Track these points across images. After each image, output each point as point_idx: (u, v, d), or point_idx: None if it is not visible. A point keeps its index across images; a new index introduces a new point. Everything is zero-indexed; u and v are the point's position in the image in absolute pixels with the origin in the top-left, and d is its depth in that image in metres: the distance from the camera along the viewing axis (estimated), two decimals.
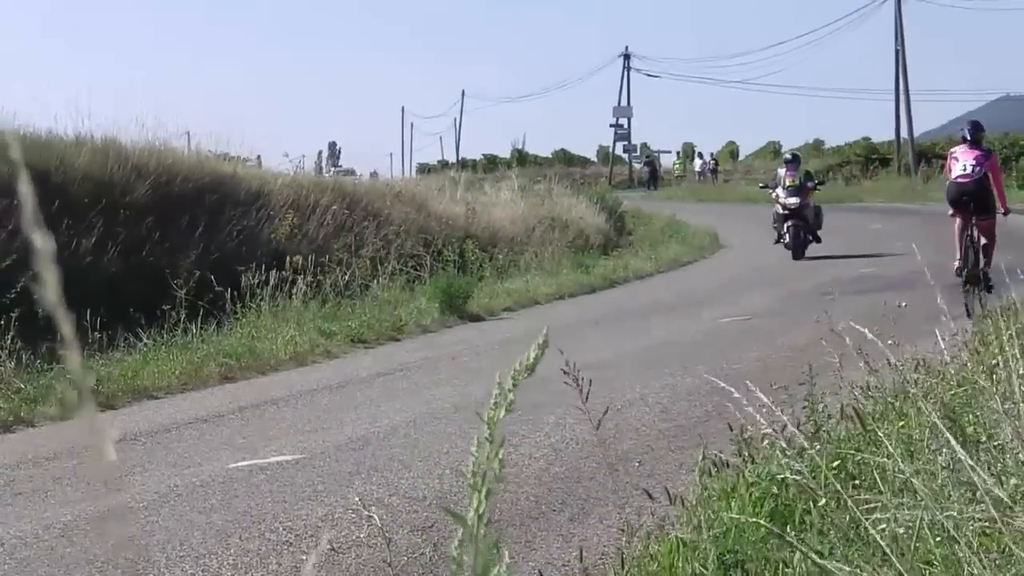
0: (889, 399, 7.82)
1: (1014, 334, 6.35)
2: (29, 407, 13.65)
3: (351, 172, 74.06)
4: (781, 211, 30.21)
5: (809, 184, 30.84)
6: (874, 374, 8.18)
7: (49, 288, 1.22)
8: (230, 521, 8.83)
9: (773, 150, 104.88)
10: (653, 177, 79.77)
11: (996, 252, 17.49)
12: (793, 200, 29.93)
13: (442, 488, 9.40)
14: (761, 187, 34.71)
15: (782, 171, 31.07)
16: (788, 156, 32.85)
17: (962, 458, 4.88)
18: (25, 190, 1.23)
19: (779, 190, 30.45)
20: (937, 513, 4.82)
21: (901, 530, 4.97)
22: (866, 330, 7.22)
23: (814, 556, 4.88)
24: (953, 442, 4.98)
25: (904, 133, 65.06)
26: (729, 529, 6.36)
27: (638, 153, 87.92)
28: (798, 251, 29.64)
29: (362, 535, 8.10)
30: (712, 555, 6.13)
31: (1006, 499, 4.85)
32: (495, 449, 1.93)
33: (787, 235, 29.98)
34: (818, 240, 30.51)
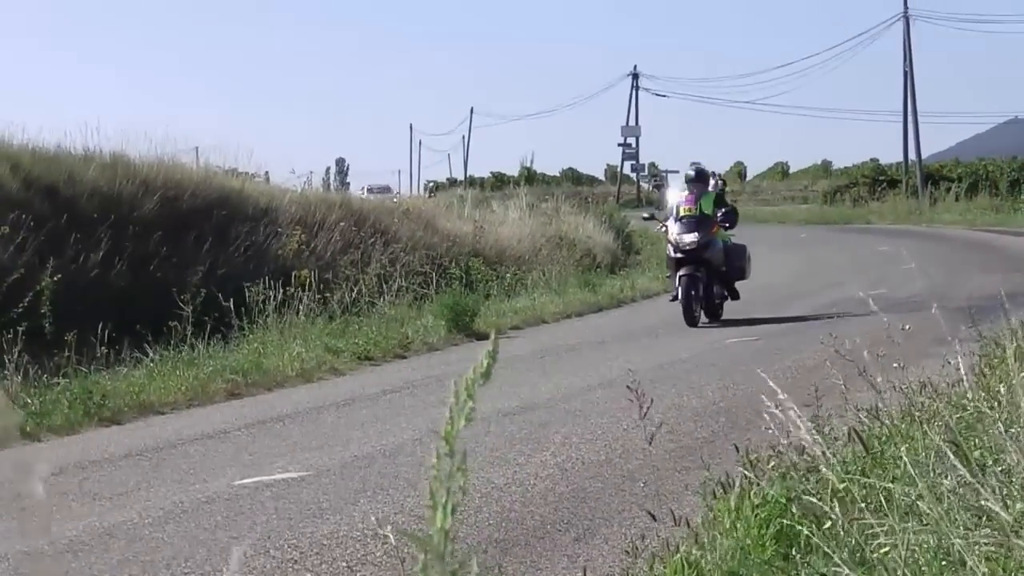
0: (895, 422, 7.82)
1: (1019, 358, 6.35)
2: (35, 422, 13.67)
3: (387, 189, 74.19)
4: (673, 253, 21.41)
5: (721, 213, 21.69)
6: (880, 396, 8.18)
7: None
8: (235, 538, 8.82)
9: (781, 171, 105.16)
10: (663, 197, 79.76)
11: (1002, 275, 17.47)
12: (690, 238, 21.16)
13: None
14: (646, 218, 25.68)
15: (677, 194, 22.34)
16: (690, 172, 22.25)
17: (969, 481, 4.88)
18: None
19: (671, 222, 21.61)
20: (943, 537, 4.82)
21: (907, 553, 4.97)
22: (867, 352, 7.22)
23: None
24: (959, 466, 4.98)
25: (912, 155, 65.07)
26: (734, 551, 6.36)
27: (646, 172, 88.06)
28: (690, 314, 20.81)
29: (368, 553, 8.10)
30: None
31: (1012, 523, 4.85)
32: (456, 462, 1.88)
33: (678, 289, 21.14)
34: (734, 296, 22.12)
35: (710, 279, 21.27)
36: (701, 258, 21.12)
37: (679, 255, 21.21)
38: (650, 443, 6.04)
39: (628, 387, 5.39)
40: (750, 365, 15.92)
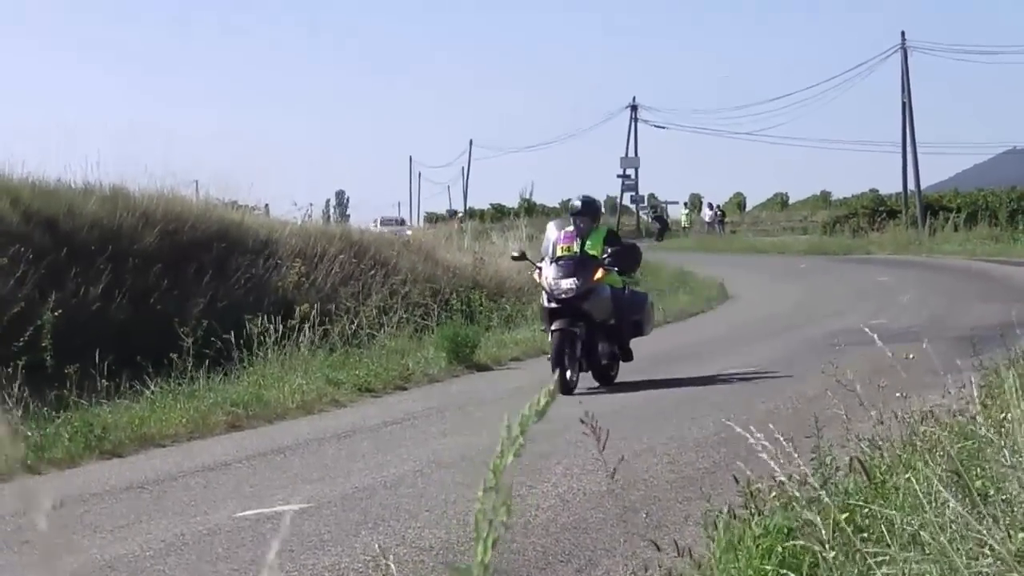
0: (897, 451, 7.82)
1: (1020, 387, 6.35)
2: (35, 455, 13.65)
3: (400, 222, 74.00)
4: (546, 303, 17.35)
5: (608, 253, 17.48)
6: (881, 426, 8.18)
7: None
8: (236, 570, 8.81)
9: (780, 201, 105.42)
10: (662, 229, 79.80)
11: (1002, 305, 17.46)
12: (566, 284, 17.04)
13: (449, 538, 9.38)
14: (515, 257, 20.23)
15: (556, 231, 18.07)
16: (576, 203, 18.12)
17: (967, 514, 4.88)
18: None
19: (545, 264, 17.55)
20: (945, 567, 4.82)
21: None
22: (868, 381, 7.23)
23: None
24: (952, 502, 4.98)
25: (911, 185, 65.10)
26: None
27: (645, 203, 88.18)
28: (563, 377, 15.54)
29: None
30: None
31: (1014, 553, 4.85)
32: (502, 497, 1.89)
33: (551, 347, 17.09)
34: (626, 356, 17.99)
35: (593, 335, 17.17)
36: (580, 309, 17.02)
37: (552, 305, 17.10)
38: (612, 478, 6.01)
39: (581, 420, 5.37)
40: (751, 395, 15.94)
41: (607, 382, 17.67)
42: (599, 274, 17.22)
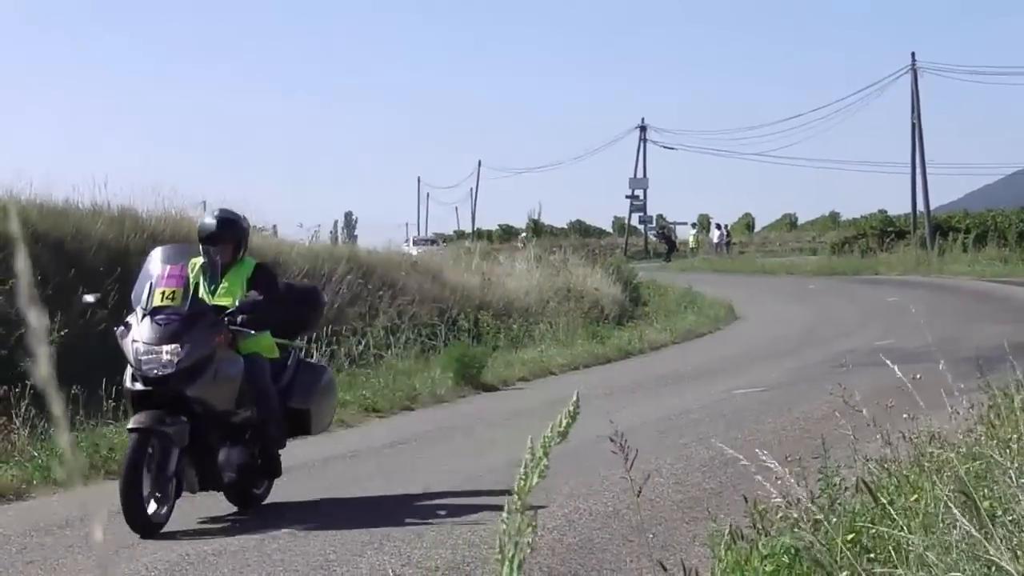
0: (904, 472, 7.79)
1: None
2: (42, 475, 13.64)
3: (435, 242, 74.39)
4: (129, 383, 10.96)
5: (251, 301, 11.26)
6: (889, 447, 8.15)
7: (41, 365, 1.23)
8: None
9: (789, 222, 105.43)
10: (670, 249, 79.60)
11: (1012, 326, 17.36)
12: (165, 353, 10.89)
13: (455, 559, 9.35)
14: (89, 304, 12.41)
15: (159, 265, 11.80)
16: (208, 221, 11.85)
17: (975, 534, 4.85)
18: (22, 265, 1.24)
19: (135, 318, 11.21)
20: None
21: None
22: (876, 402, 7.20)
23: None
24: (962, 520, 4.95)
25: (920, 206, 65.05)
26: None
27: (654, 224, 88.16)
28: (141, 512, 10.49)
29: None
30: None
31: (1022, 574, 4.82)
32: (527, 519, 1.87)
33: (125, 456, 11.01)
34: (270, 470, 11.92)
35: (207, 436, 11.03)
36: (182, 395, 10.83)
37: (138, 387, 10.84)
38: (638, 495, 5.97)
39: (611, 439, 5.32)
40: (759, 416, 15.91)
41: (249, 504, 11.75)
42: (223, 338, 11.19)
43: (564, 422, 1.97)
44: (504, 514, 1.85)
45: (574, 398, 2.04)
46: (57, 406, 1.26)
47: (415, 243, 71.08)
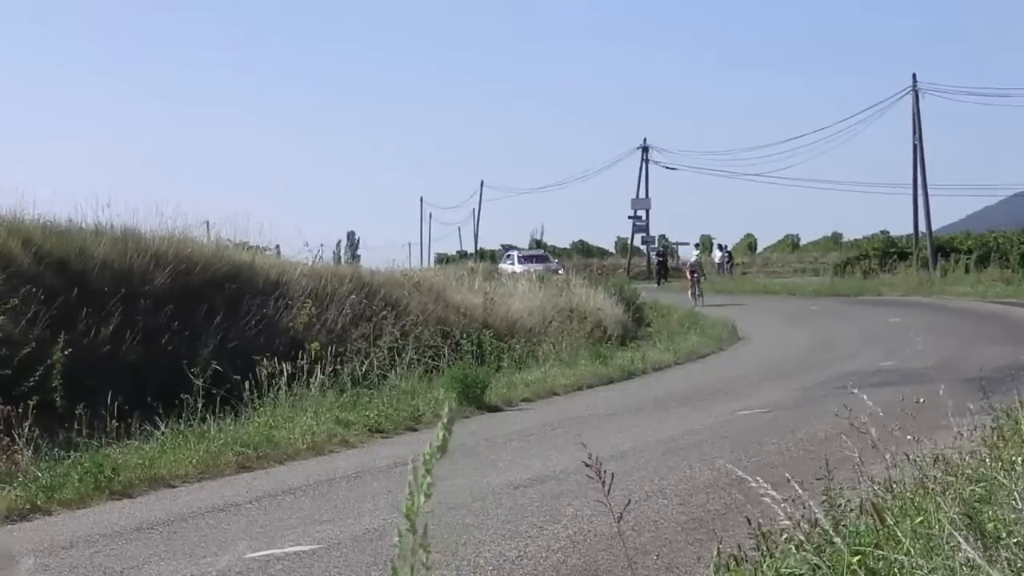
0: (908, 494, 7.79)
1: None
2: (46, 495, 13.64)
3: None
4: None
5: None
6: (893, 468, 8.16)
7: None
8: None
9: (791, 243, 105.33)
10: (662, 270, 75.04)
11: (1013, 347, 17.40)
12: None
13: None
14: None
15: None
16: None
17: (978, 557, 4.86)
18: None
19: None
20: None
21: None
22: (880, 424, 7.21)
23: None
24: (965, 544, 4.97)
25: (922, 227, 65.08)
26: None
27: (656, 245, 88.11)
28: None
29: None
30: None
31: None
32: (418, 538, 1.87)
33: None
34: None
35: None
36: None
37: None
38: (618, 521, 5.98)
39: (585, 463, 5.33)
40: (762, 437, 15.90)
41: None
42: None
43: (440, 435, 1.98)
44: (395, 537, 1.86)
45: (446, 410, 2.04)
46: None
47: (520, 260, 63.35)
